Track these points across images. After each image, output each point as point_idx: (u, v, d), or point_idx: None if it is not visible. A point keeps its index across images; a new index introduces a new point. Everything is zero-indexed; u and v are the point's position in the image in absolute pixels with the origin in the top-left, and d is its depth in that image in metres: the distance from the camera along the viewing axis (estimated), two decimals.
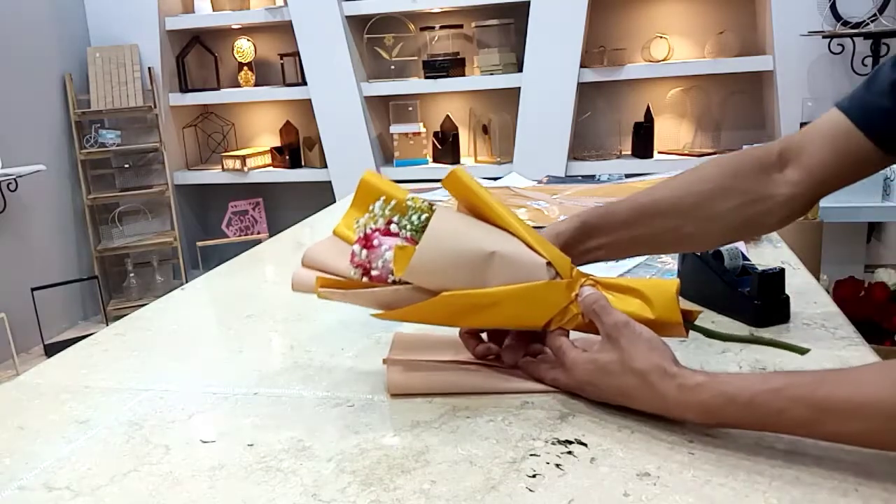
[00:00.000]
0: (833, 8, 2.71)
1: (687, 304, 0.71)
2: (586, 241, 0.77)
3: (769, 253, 1.09)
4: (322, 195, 3.27)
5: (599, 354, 0.64)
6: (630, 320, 0.63)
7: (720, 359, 0.73)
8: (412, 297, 0.66)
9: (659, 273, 1.01)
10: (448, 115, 3.35)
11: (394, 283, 0.67)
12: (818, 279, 0.94)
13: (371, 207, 0.70)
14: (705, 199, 0.76)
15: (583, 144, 3.28)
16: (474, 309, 0.67)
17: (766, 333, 0.79)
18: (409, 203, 0.70)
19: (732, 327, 0.82)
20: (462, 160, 3.36)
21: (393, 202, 0.71)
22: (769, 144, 0.78)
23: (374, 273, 0.68)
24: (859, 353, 0.72)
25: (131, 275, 3.58)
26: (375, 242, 0.68)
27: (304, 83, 3.35)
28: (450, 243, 0.66)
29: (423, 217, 0.68)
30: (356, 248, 0.69)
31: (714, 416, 0.57)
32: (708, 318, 0.84)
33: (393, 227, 0.69)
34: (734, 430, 0.59)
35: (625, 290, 0.68)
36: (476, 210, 0.71)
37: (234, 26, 3.56)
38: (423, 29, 3.33)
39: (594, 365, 0.64)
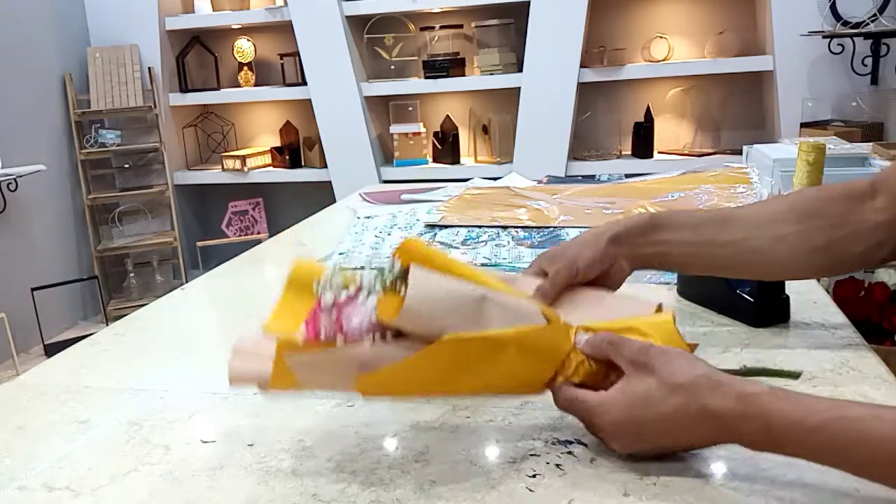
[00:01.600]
0: (833, 8, 2.71)
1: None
2: (650, 233, 0.72)
3: None
4: (322, 195, 3.27)
5: (630, 384, 0.55)
6: (653, 343, 0.57)
7: (720, 359, 0.73)
8: (396, 353, 0.55)
9: (658, 275, 1.01)
10: (448, 115, 3.35)
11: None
12: (818, 279, 0.94)
13: (316, 284, 0.58)
14: (783, 215, 0.70)
15: (583, 144, 3.28)
16: (476, 359, 0.57)
17: (765, 333, 0.79)
18: (358, 272, 0.60)
19: (731, 329, 0.81)
20: (462, 160, 3.36)
21: (340, 273, 0.59)
22: (863, 178, 0.72)
23: (348, 334, 0.56)
24: (859, 353, 0.72)
25: (131, 275, 3.58)
26: (343, 301, 0.57)
27: (304, 83, 3.35)
28: (439, 285, 0.58)
29: (398, 266, 0.58)
30: (323, 316, 0.57)
31: (773, 433, 0.50)
32: (708, 318, 0.84)
33: (362, 293, 0.57)
34: None
35: (621, 332, 0.61)
36: (444, 270, 0.61)
37: (234, 26, 3.56)
38: (423, 29, 3.33)
39: (628, 397, 0.55)
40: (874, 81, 2.75)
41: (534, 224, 1.28)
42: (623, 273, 0.72)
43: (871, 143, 2.01)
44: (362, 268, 0.61)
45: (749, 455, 0.55)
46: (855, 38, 2.71)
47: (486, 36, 3.25)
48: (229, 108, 3.78)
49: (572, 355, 0.60)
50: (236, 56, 3.57)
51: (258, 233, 3.61)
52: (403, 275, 0.57)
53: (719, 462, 0.55)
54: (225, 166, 3.53)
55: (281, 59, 3.47)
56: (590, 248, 0.71)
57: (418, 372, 0.55)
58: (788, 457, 0.50)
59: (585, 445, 0.58)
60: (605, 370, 0.59)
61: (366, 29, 3.35)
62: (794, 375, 0.63)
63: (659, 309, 0.65)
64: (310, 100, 3.35)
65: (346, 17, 3.23)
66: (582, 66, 3.02)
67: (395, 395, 0.59)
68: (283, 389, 0.57)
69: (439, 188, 1.68)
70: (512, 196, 1.49)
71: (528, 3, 3.00)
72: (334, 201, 1.94)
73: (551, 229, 1.25)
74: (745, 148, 1.98)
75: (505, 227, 1.28)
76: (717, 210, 0.74)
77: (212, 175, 3.58)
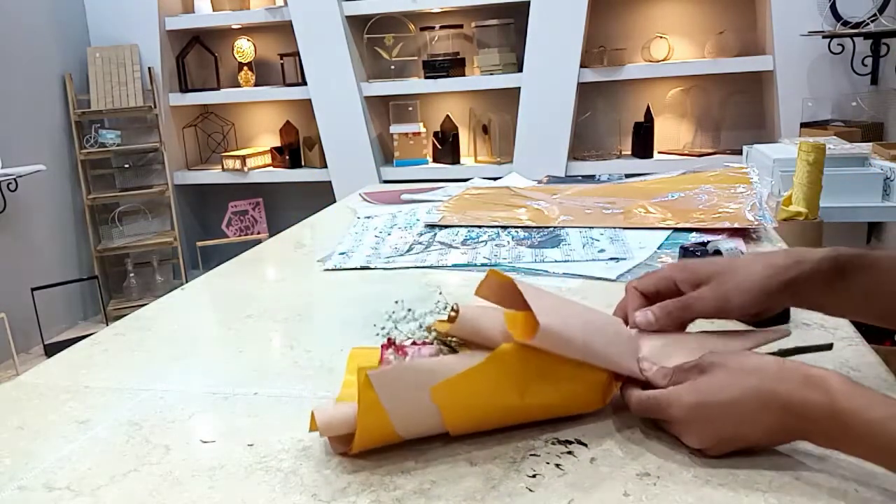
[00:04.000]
0: (833, 8, 2.71)
1: None
2: (835, 280, 0.60)
3: None
4: (322, 195, 3.27)
5: (702, 377, 0.55)
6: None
7: None
8: (463, 361, 0.57)
9: None
10: (448, 115, 3.35)
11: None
12: None
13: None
14: None
15: (583, 144, 3.28)
16: (538, 366, 0.58)
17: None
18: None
19: (731, 329, 0.81)
20: (462, 160, 3.36)
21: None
22: None
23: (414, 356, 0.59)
24: (859, 353, 0.72)
25: (131, 275, 3.58)
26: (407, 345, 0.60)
27: (304, 83, 3.35)
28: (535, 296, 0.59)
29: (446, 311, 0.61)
30: (388, 353, 0.60)
31: (840, 421, 0.49)
32: (708, 318, 0.84)
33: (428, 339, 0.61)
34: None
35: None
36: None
37: (234, 26, 3.56)
38: (423, 29, 3.33)
39: (700, 385, 0.55)
40: (874, 81, 2.75)
41: (534, 224, 1.28)
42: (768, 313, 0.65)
43: (871, 143, 2.01)
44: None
45: (749, 455, 0.55)
46: (855, 38, 2.71)
47: (486, 36, 3.25)
48: (229, 108, 3.78)
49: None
50: (236, 56, 3.57)
51: (258, 233, 3.61)
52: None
53: (719, 462, 0.55)
54: (225, 166, 3.53)
55: (281, 59, 3.48)
56: (751, 294, 0.61)
57: (486, 377, 0.57)
58: (853, 454, 0.50)
59: (585, 445, 0.58)
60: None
61: (366, 29, 3.35)
62: (828, 347, 0.64)
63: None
64: (310, 100, 3.35)
65: (346, 17, 3.23)
66: (582, 66, 3.03)
67: (470, 407, 0.58)
68: (374, 435, 0.57)
69: (439, 188, 1.68)
70: (512, 196, 1.49)
71: (528, 3, 3.00)
72: (334, 201, 1.94)
73: (551, 229, 1.24)
74: (745, 148, 1.99)
75: (505, 227, 1.28)
76: (876, 256, 0.62)
77: (212, 175, 3.58)
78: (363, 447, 0.57)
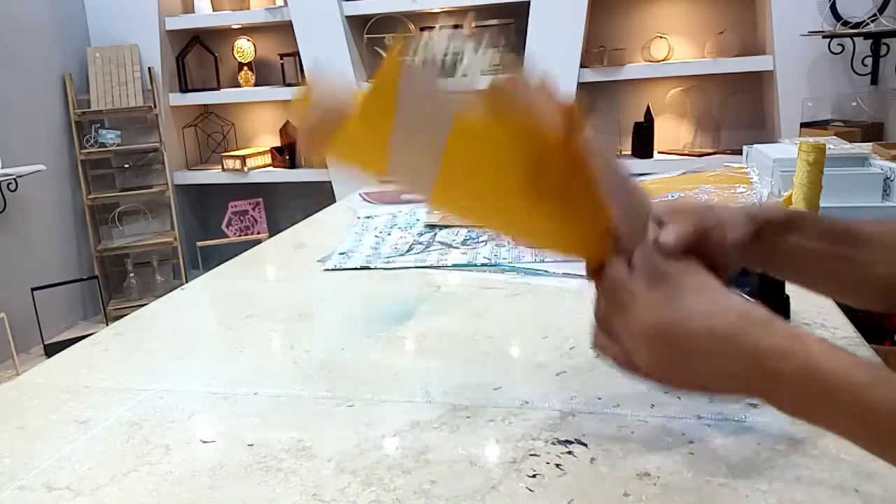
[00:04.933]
0: (833, 8, 2.71)
1: None
2: (788, 232, 0.59)
3: None
4: (322, 195, 3.27)
5: (671, 293, 0.49)
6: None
7: None
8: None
9: None
10: None
11: None
12: None
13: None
14: None
15: None
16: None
17: None
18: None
19: None
20: None
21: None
22: None
23: None
24: (859, 353, 0.72)
25: (131, 275, 3.58)
26: None
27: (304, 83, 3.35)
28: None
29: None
30: None
31: (817, 383, 0.44)
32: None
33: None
34: (732, 429, 0.59)
35: None
36: None
37: (234, 26, 3.56)
38: (423, 29, 3.33)
39: (669, 304, 0.49)
40: (874, 81, 2.75)
41: None
42: (729, 271, 0.59)
43: (871, 143, 2.01)
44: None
45: (749, 455, 0.55)
46: (855, 38, 2.71)
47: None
48: (229, 108, 3.78)
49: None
50: (236, 56, 3.57)
51: (258, 233, 3.61)
52: None
53: (719, 462, 0.55)
54: (225, 166, 3.53)
55: (281, 59, 3.47)
56: (737, 229, 0.57)
57: (512, 152, 0.48)
58: (820, 424, 0.45)
59: (585, 445, 0.58)
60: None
61: (366, 29, 3.35)
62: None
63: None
64: None
65: (346, 17, 3.23)
66: (582, 66, 3.02)
67: (475, 173, 0.49)
68: (361, 145, 0.47)
69: None
70: None
71: (528, 3, 3.00)
72: (334, 201, 1.94)
73: None
74: (745, 148, 1.98)
75: None
76: (850, 221, 0.61)
77: (212, 175, 3.58)
78: (340, 155, 0.48)
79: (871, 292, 0.63)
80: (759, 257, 0.60)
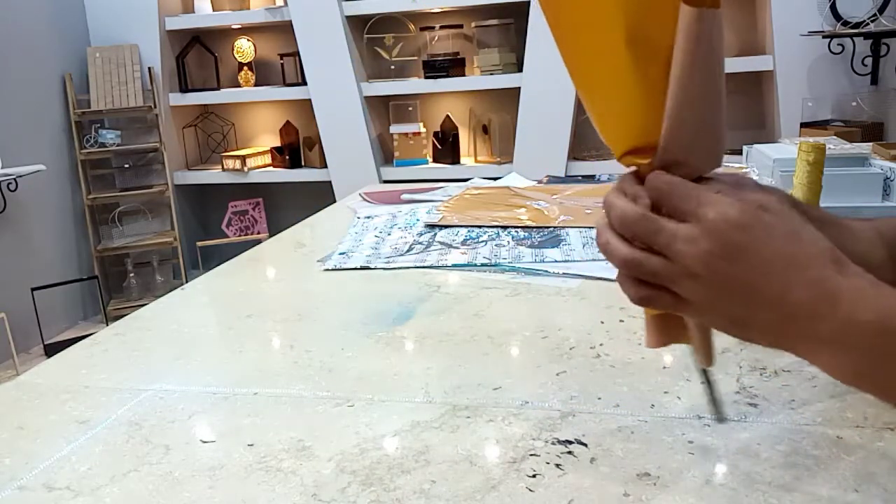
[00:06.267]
0: (833, 8, 2.71)
1: None
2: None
3: None
4: (322, 195, 3.27)
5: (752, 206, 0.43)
6: None
7: (720, 359, 0.73)
8: None
9: None
10: (448, 115, 3.35)
11: None
12: None
13: None
14: (877, 239, 0.57)
15: (583, 144, 3.28)
16: None
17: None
18: None
19: None
20: (462, 160, 3.36)
21: None
22: None
23: None
24: None
25: (131, 275, 3.58)
26: None
27: (304, 83, 3.35)
28: None
29: None
30: None
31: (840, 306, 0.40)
32: None
33: None
34: (733, 430, 0.59)
35: None
36: None
37: (234, 26, 3.56)
38: (423, 29, 3.33)
39: (742, 221, 0.42)
40: (874, 81, 2.75)
41: (534, 224, 1.28)
42: None
43: (871, 143, 2.01)
44: None
45: (748, 455, 0.55)
46: (855, 38, 2.71)
47: (486, 36, 3.25)
48: (229, 108, 3.78)
49: None
50: (236, 56, 3.57)
51: (258, 233, 3.61)
52: None
53: (719, 462, 0.55)
54: (225, 166, 3.53)
55: (281, 59, 3.47)
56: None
57: None
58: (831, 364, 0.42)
59: (585, 445, 0.58)
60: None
61: (366, 29, 3.35)
62: (721, 417, 0.58)
63: None
64: (310, 100, 3.35)
65: (346, 17, 3.23)
66: None
67: None
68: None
69: (439, 188, 1.68)
70: (512, 196, 1.49)
71: (528, 3, 3.00)
72: (334, 201, 1.94)
73: (551, 229, 1.24)
74: (745, 148, 1.98)
75: (505, 227, 1.28)
76: (836, 216, 0.58)
77: (212, 175, 3.58)
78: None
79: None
80: None
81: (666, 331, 0.53)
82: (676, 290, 0.45)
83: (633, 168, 0.49)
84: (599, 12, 0.45)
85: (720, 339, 0.77)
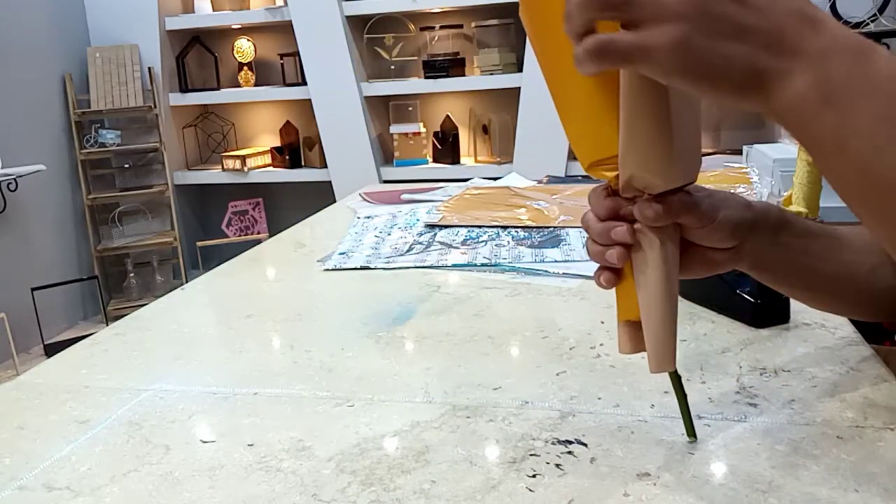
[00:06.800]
0: (833, 8, 2.71)
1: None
2: (779, 232, 0.57)
3: None
4: (322, 195, 3.27)
5: None
6: None
7: (720, 359, 0.73)
8: None
9: None
10: (448, 115, 3.35)
11: None
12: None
13: None
14: (872, 245, 0.59)
15: None
16: None
17: (765, 333, 0.79)
18: None
19: (731, 329, 0.81)
20: (462, 160, 3.36)
21: None
22: None
23: None
24: (859, 353, 0.72)
25: (131, 275, 3.58)
26: None
27: (304, 83, 3.35)
28: None
29: None
30: None
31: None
32: (708, 318, 0.84)
33: None
34: (732, 429, 0.59)
35: None
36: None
37: (234, 26, 3.56)
38: (423, 29, 3.33)
39: None
40: None
41: (534, 224, 1.28)
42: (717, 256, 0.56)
43: None
44: None
45: (749, 455, 0.55)
46: None
47: (486, 36, 3.25)
48: (229, 108, 3.78)
49: None
50: (236, 56, 3.57)
51: (258, 233, 3.61)
52: None
53: (719, 462, 0.55)
54: (225, 166, 3.53)
55: (281, 59, 3.47)
56: (736, 202, 0.55)
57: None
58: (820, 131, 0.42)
59: (585, 445, 0.58)
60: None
61: (366, 29, 3.35)
62: (691, 435, 0.58)
63: None
64: (310, 100, 3.35)
65: (346, 17, 3.23)
66: None
67: None
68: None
69: (439, 188, 1.68)
70: (512, 196, 1.49)
71: None
72: (334, 201, 1.94)
73: (551, 229, 1.25)
74: (745, 148, 1.98)
75: (505, 227, 1.28)
76: (824, 225, 0.59)
77: (212, 175, 3.58)
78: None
79: (842, 297, 0.62)
80: (749, 254, 0.56)
81: (639, 337, 0.55)
82: (645, 30, 0.41)
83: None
84: (558, 27, 0.44)
85: (720, 340, 0.77)
